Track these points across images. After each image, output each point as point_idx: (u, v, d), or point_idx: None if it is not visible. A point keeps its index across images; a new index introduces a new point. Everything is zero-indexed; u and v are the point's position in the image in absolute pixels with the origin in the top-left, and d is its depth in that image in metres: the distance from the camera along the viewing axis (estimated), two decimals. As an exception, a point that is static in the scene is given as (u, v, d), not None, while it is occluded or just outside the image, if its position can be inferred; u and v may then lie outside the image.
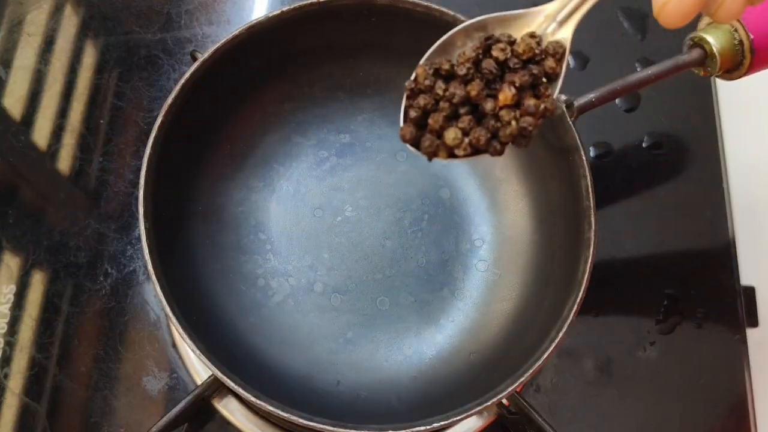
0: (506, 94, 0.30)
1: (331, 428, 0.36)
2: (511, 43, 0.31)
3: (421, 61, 0.32)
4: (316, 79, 0.50)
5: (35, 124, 0.54)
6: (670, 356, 0.50)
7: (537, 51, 0.31)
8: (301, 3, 0.45)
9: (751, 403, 0.49)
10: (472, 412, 0.37)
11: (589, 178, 0.42)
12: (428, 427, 0.37)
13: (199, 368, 0.48)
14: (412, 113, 0.32)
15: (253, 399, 0.37)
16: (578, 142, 0.42)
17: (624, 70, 0.46)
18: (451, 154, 0.31)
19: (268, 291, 0.47)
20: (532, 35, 0.31)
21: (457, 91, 0.31)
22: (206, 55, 0.43)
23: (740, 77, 0.47)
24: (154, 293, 0.49)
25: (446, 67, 0.31)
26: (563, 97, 0.43)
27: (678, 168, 0.56)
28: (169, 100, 0.42)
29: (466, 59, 0.31)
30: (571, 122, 0.43)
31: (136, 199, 0.48)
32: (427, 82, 0.31)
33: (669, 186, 0.55)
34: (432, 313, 0.47)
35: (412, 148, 0.32)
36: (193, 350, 0.37)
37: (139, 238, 0.50)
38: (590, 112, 0.44)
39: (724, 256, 0.53)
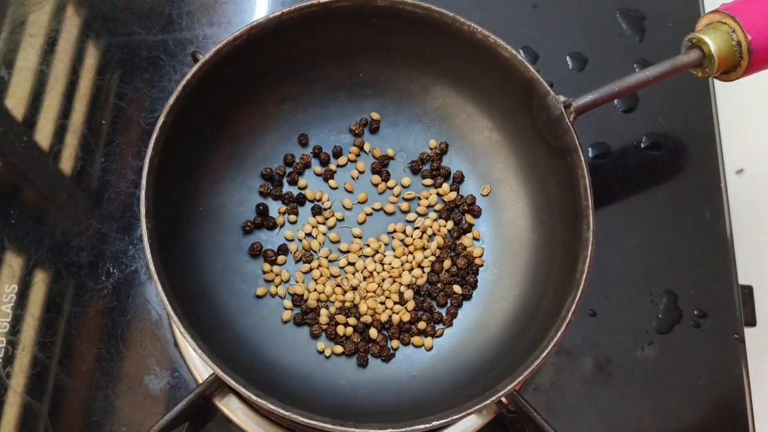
0: None
1: (331, 426, 0.37)
2: None
3: None
4: (316, 79, 0.50)
5: (37, 125, 0.54)
6: (669, 356, 0.50)
7: None
8: (301, 4, 0.45)
9: (749, 402, 0.49)
10: (472, 410, 0.37)
11: (587, 178, 0.42)
12: (427, 425, 0.37)
13: (200, 367, 0.48)
14: None
15: (253, 397, 0.37)
16: (577, 142, 0.42)
17: (622, 71, 0.46)
18: None
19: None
20: None
21: None
22: (207, 56, 0.43)
23: (738, 78, 0.47)
24: (155, 293, 0.49)
25: None
26: (562, 98, 0.43)
27: (676, 168, 0.56)
28: (171, 100, 0.42)
29: None
30: (569, 123, 0.43)
31: (138, 199, 0.49)
32: None
33: (667, 186, 0.55)
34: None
35: None
36: (194, 349, 0.37)
37: (140, 238, 0.50)
38: (589, 113, 0.44)
39: (722, 255, 0.53)
